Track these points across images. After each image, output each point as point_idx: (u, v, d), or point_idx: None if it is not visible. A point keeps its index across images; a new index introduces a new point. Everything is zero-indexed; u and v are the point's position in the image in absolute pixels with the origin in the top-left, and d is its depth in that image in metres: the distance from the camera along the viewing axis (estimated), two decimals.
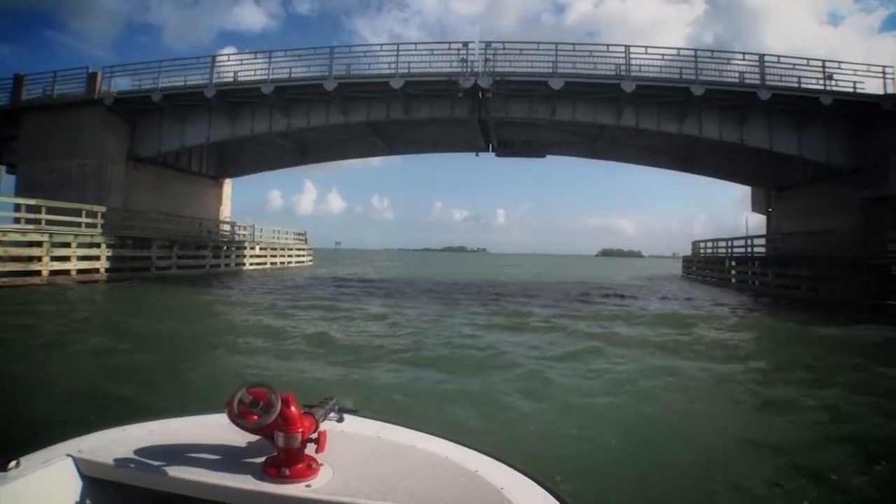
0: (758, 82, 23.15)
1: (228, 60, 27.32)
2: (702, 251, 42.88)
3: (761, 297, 25.59)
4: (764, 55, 23.44)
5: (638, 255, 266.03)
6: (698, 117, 24.38)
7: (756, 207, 35.81)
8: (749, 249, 32.71)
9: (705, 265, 40.78)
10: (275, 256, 41.00)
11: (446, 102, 24.82)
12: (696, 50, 23.55)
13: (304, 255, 47.97)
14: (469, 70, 23.27)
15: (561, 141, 31.64)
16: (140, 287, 21.18)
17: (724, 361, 9.59)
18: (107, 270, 22.43)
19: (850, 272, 22.05)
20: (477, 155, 32.40)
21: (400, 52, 24.36)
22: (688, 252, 48.68)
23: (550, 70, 23.26)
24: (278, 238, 43.78)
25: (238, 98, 26.39)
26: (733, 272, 34.47)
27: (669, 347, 10.84)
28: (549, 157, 32.58)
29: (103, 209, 23.54)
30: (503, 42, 23.45)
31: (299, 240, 48.98)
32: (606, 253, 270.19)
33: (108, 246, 22.83)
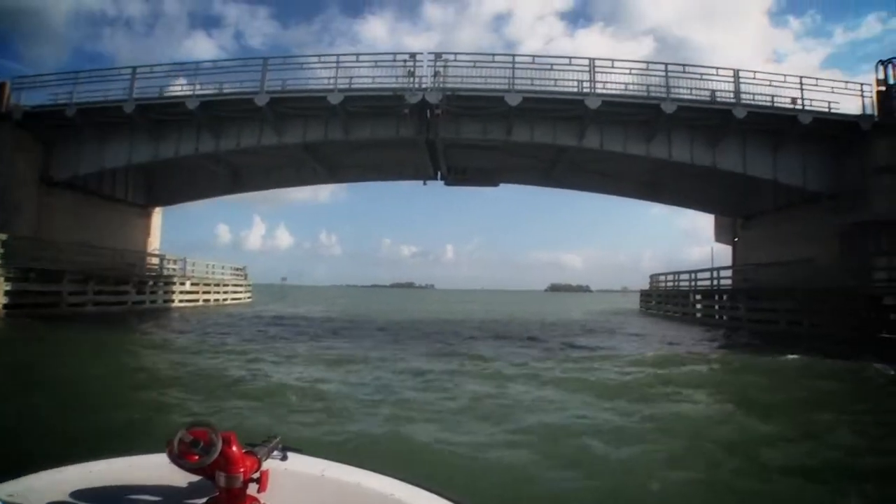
0: (732, 100, 21.29)
1: (152, 73, 24.06)
2: (662, 285, 41.05)
3: (735, 332, 23.65)
4: (738, 70, 21.60)
5: (586, 289, 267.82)
6: (667, 138, 22.32)
7: (720, 237, 34.10)
8: (715, 282, 30.85)
9: (667, 299, 38.83)
10: (208, 293, 37.34)
11: (391, 122, 22.19)
12: (666, 64, 21.53)
13: (241, 292, 44.34)
14: (416, 85, 20.73)
15: (516, 166, 29.28)
16: (29, 327, 18.15)
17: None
18: (4, 307, 19.58)
19: (836, 304, 20.28)
20: (424, 183, 29.77)
21: (340, 65, 21.63)
22: (640, 286, 47.23)
23: (507, 86, 20.88)
24: (212, 273, 40.08)
25: (162, 115, 23.26)
26: (699, 306, 32.60)
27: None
28: (502, 185, 30.34)
29: (4, 237, 20.48)
30: (454, 53, 21.17)
31: (237, 275, 45.53)
32: (555, 288, 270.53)
33: (7, 279, 19.93)
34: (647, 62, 21.59)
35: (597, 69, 21.02)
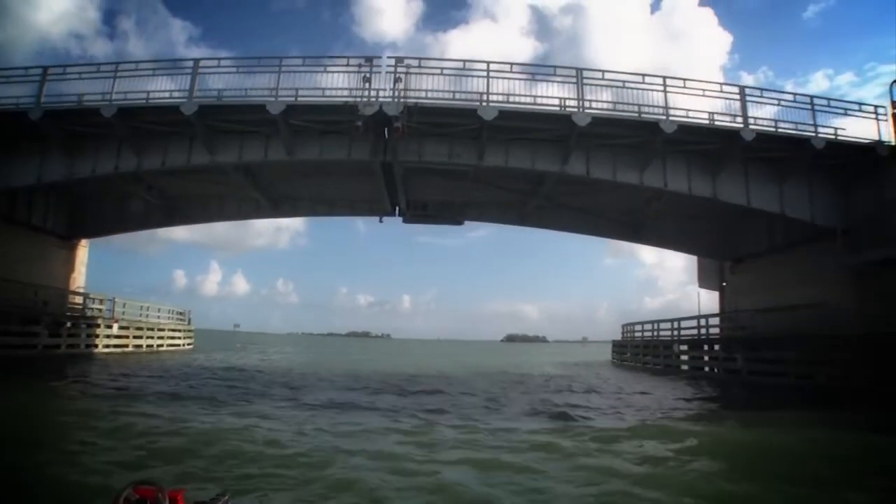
0: (737, 123, 18.50)
1: (65, 74, 20.05)
2: (638, 334, 37.88)
3: (733, 386, 20.80)
4: (745, 87, 18.86)
5: (543, 339, 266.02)
6: (662, 165, 19.37)
7: (705, 282, 31.22)
8: (704, 330, 27.88)
9: (645, 350, 35.68)
10: (140, 338, 32.74)
11: (342, 141, 18.76)
12: (664, 77, 18.59)
13: (180, 337, 39.60)
14: (373, 96, 17.42)
15: (484, 202, 26.11)
16: None
17: None
18: None
19: (858, 352, 17.51)
20: (381, 220, 26.30)
21: (283, 70, 18.02)
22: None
23: (480, 99, 17.64)
24: (146, 315, 35.42)
25: (76, 125, 19.29)
26: (685, 357, 29.50)
27: None
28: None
29: None
30: (419, 58, 17.85)
31: (179, 319, 41.03)
32: (511, 338, 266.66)
33: None
34: (643, 74, 18.49)
35: (585, 81, 18.00)
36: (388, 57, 17.42)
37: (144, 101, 18.82)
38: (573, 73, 18.18)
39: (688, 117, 18.28)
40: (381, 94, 17.50)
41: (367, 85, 17.17)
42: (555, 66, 18.33)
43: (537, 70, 18.21)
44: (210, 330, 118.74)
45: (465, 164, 19.24)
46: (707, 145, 18.84)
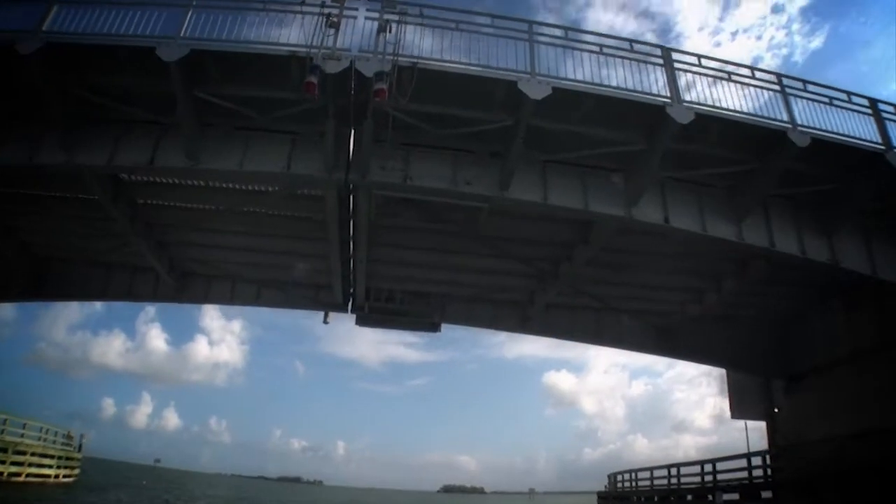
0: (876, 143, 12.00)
1: None
2: (645, 482, 28.65)
3: None
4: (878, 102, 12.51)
5: (480, 491, 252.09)
6: (765, 214, 12.61)
7: (743, 411, 23.46)
8: (765, 471, 20.09)
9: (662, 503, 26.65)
10: None
11: (280, 143, 11.37)
12: (779, 75, 12.05)
13: (52, 465, 28.52)
14: (345, 48, 10.15)
15: (472, 293, 18.62)
16: None
17: None
18: None
19: None
20: (325, 320, 18.64)
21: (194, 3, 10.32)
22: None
23: (523, 67, 10.40)
24: (3, 431, 24.82)
25: None
26: None
27: None
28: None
29: None
30: (420, 6, 10.75)
31: (65, 444, 30.58)
32: (448, 489, 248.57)
33: None
34: (753, 68, 12.12)
35: (677, 66, 11.32)
36: None
37: None
38: (657, 52, 11.50)
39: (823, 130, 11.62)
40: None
41: (331, 33, 9.92)
42: (631, 41, 11.56)
43: (602, 42, 11.31)
44: (128, 463, 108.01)
45: (478, 196, 11.76)
46: (826, 184, 12.28)
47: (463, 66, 10.23)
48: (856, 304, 16.11)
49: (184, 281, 18.28)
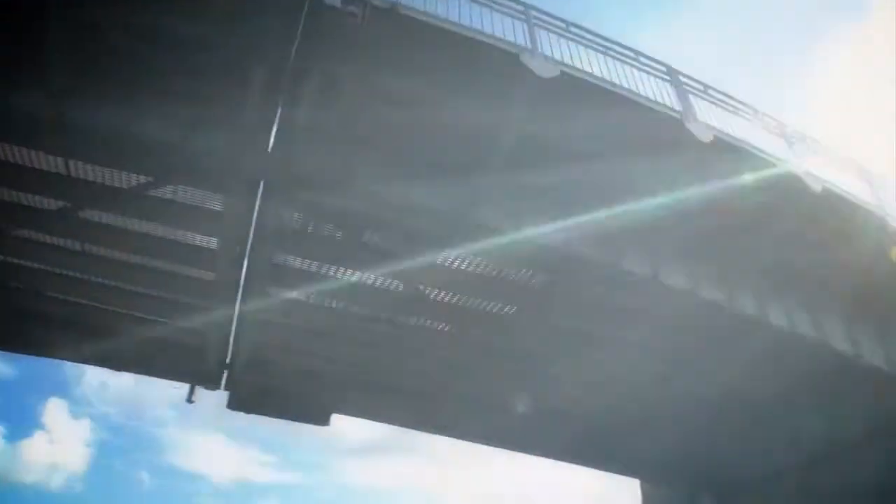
0: None
1: None
2: None
3: None
4: None
5: None
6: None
7: None
8: None
9: None
10: None
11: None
12: None
13: None
14: None
15: (371, 380, 13.58)
16: None
17: None
18: None
19: None
20: (190, 398, 12.55)
21: None
22: None
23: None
24: None
25: None
26: None
27: None
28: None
29: None
30: None
31: None
32: None
33: None
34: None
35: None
36: None
37: None
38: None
39: None
40: None
41: None
42: (637, 52, 8.94)
43: (609, 47, 8.53)
44: None
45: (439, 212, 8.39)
46: None
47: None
48: None
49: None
